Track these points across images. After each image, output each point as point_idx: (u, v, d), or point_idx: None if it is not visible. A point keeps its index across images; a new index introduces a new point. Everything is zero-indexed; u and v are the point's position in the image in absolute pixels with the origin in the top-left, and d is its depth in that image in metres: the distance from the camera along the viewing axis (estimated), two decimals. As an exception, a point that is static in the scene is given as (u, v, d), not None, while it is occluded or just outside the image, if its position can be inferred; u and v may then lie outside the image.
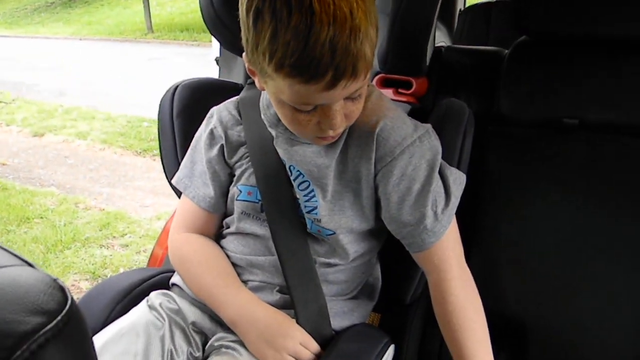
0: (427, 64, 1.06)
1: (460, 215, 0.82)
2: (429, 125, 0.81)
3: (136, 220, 3.02)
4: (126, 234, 2.86)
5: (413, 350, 0.96)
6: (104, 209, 3.17)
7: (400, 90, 1.09)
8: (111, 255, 2.63)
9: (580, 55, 1.03)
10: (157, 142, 1.04)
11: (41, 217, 3.04)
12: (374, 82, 1.12)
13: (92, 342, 0.38)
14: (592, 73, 1.01)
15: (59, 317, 0.34)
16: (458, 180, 0.82)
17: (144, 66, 7.96)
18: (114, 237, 2.84)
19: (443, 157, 0.81)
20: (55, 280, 0.37)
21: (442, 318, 0.80)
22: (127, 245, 2.74)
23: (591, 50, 1.02)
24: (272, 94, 0.71)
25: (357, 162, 0.78)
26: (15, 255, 0.40)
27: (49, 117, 5.31)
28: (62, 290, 0.37)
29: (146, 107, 5.32)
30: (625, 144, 0.98)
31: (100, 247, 2.72)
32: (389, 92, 1.09)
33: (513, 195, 1.03)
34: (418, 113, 0.93)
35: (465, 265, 0.82)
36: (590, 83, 1.00)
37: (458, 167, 0.87)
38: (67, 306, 0.35)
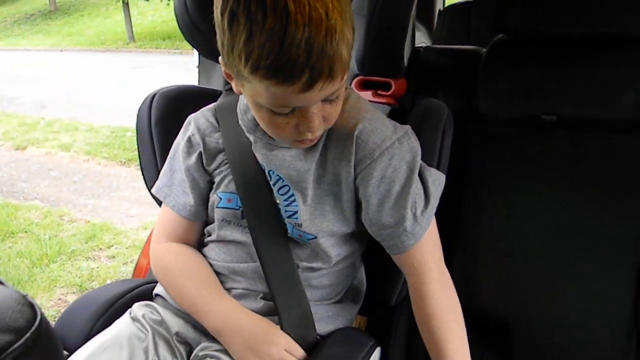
0: (406, 64, 1.06)
1: (443, 214, 0.82)
2: (408, 127, 0.81)
3: (122, 231, 2.99)
4: (112, 245, 2.83)
5: (400, 351, 0.96)
6: (89, 221, 3.14)
7: (379, 91, 1.09)
8: (98, 268, 2.60)
9: (556, 52, 1.04)
10: (138, 157, 1.03)
11: (25, 231, 3.00)
12: (352, 85, 1.12)
13: (62, 355, 0.37)
14: (568, 69, 1.02)
15: (27, 334, 0.33)
16: (437, 181, 0.82)
17: (126, 76, 7.90)
18: (100, 248, 2.81)
19: (422, 158, 0.81)
20: (24, 296, 0.37)
21: (421, 320, 0.80)
22: (114, 257, 2.72)
23: (568, 47, 1.03)
24: (250, 97, 0.71)
25: (336, 165, 0.78)
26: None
27: (30, 130, 5.25)
28: (31, 306, 0.36)
29: (130, 116, 5.28)
30: (603, 139, 0.99)
31: (87, 260, 2.69)
32: (368, 94, 1.09)
33: (495, 194, 1.04)
34: (397, 114, 0.93)
35: (445, 267, 0.82)
36: (567, 79, 1.01)
37: (438, 167, 0.87)
38: (37, 323, 0.35)
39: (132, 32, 11.05)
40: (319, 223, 0.80)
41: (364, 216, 0.80)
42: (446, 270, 0.82)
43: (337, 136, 0.78)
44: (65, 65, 9.36)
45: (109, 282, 2.46)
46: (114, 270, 2.57)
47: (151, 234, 1.41)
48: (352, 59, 0.74)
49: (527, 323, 0.96)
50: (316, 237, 0.81)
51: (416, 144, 0.80)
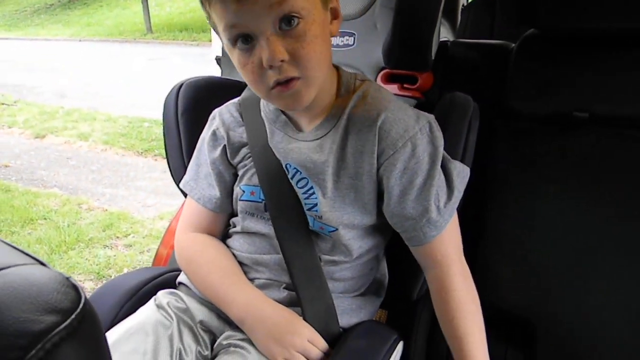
0: (433, 58, 1.05)
1: (466, 209, 0.81)
2: (431, 116, 0.80)
3: (139, 220, 3.02)
4: (129, 234, 2.85)
5: (421, 345, 0.95)
6: (106, 210, 3.17)
7: (405, 85, 1.09)
8: (115, 256, 2.63)
9: (589, 48, 1.02)
10: (158, 142, 1.04)
11: (45, 218, 3.04)
12: (378, 78, 1.11)
13: (106, 340, 0.37)
14: (602, 66, 1.00)
15: (73, 316, 0.34)
16: (462, 173, 0.81)
17: (143, 67, 7.95)
18: (118, 237, 2.84)
19: (447, 151, 0.80)
20: (68, 278, 0.37)
21: (443, 313, 0.80)
22: (131, 245, 2.74)
23: (600, 43, 1.01)
24: (220, 38, 0.73)
25: (357, 158, 0.78)
26: (27, 254, 0.40)
27: (50, 118, 5.31)
28: (75, 288, 0.36)
29: (147, 107, 5.33)
30: (636, 137, 0.97)
31: (104, 248, 2.71)
32: (394, 87, 1.09)
33: (520, 190, 1.02)
34: (423, 108, 0.92)
35: (464, 260, 0.82)
36: (601, 76, 0.99)
37: (462, 161, 0.86)
38: (81, 304, 0.35)
39: (149, 23, 11.11)
40: (339, 215, 0.80)
41: (386, 207, 0.80)
42: (466, 263, 0.82)
43: (359, 127, 0.77)
44: (84, 56, 9.45)
45: (125, 270, 2.48)
46: (131, 258, 2.60)
47: (170, 224, 1.43)
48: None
49: (550, 319, 0.95)
50: (337, 230, 0.80)
51: (439, 134, 0.78)
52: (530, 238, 1.00)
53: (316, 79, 0.73)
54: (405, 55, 1.03)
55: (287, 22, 0.68)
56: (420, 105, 1.02)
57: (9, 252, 0.39)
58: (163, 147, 1.05)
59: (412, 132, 0.76)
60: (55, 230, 2.86)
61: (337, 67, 0.83)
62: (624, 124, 0.98)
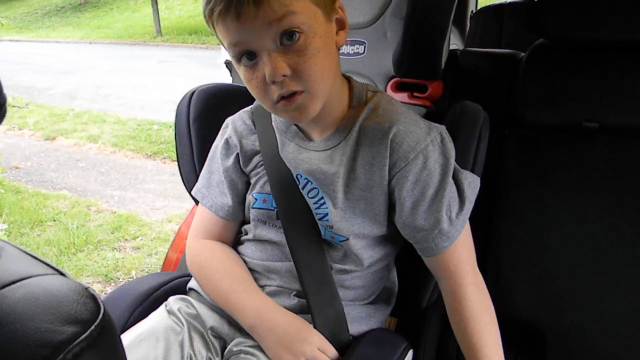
0: (443, 67, 1.06)
1: (476, 219, 0.81)
2: (442, 127, 0.80)
3: (147, 222, 3.04)
4: (138, 237, 2.87)
5: (430, 354, 0.95)
6: (115, 212, 3.19)
7: (415, 94, 1.09)
8: (123, 258, 2.64)
9: (599, 59, 1.02)
10: (167, 145, 1.05)
11: (54, 220, 3.07)
12: (388, 86, 1.12)
13: (124, 350, 0.38)
14: (612, 76, 1.00)
15: (92, 327, 0.34)
16: (472, 184, 0.81)
17: (153, 69, 8.00)
18: (126, 239, 2.86)
19: (458, 160, 0.80)
20: (87, 289, 0.38)
21: (458, 324, 0.80)
22: (139, 248, 2.76)
23: (611, 54, 1.01)
24: (229, 56, 0.74)
25: (368, 170, 0.78)
26: (47, 264, 0.41)
27: (60, 120, 5.36)
28: (94, 299, 0.37)
29: (155, 110, 5.37)
30: None
31: (113, 250, 2.73)
32: (403, 96, 1.09)
33: (529, 200, 1.02)
34: (433, 117, 0.93)
35: (478, 270, 0.82)
36: (610, 86, 0.99)
37: (472, 171, 0.86)
38: (100, 315, 0.36)
39: (159, 26, 11.19)
40: (349, 225, 0.80)
41: (398, 218, 0.80)
42: (479, 273, 0.82)
43: (371, 140, 0.77)
44: (94, 58, 9.53)
45: (133, 272, 2.50)
46: (139, 261, 2.61)
47: (180, 228, 1.44)
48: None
49: (562, 329, 0.95)
50: (348, 239, 0.81)
51: (450, 145, 0.78)
52: (540, 246, 0.99)
53: (320, 91, 0.73)
54: (415, 64, 1.04)
55: (288, 37, 0.68)
56: (430, 114, 1.02)
57: (29, 261, 0.40)
58: (172, 149, 1.06)
59: (423, 144, 0.76)
60: (64, 232, 2.89)
61: (348, 79, 0.84)
62: (634, 134, 0.98)
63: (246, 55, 0.70)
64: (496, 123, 0.98)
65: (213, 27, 0.71)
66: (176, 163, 1.06)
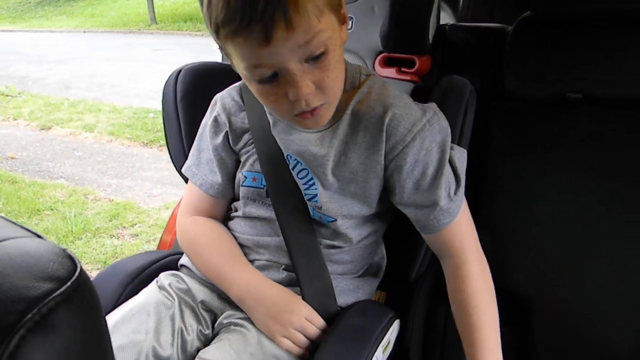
0: (430, 41, 1.05)
1: (465, 192, 0.82)
2: (434, 106, 0.80)
3: (145, 210, 3.05)
4: (136, 224, 2.88)
5: (419, 325, 0.97)
6: (113, 200, 3.20)
7: (403, 68, 1.09)
8: (122, 245, 2.66)
9: (583, 31, 1.02)
10: (164, 133, 1.05)
11: (51, 209, 3.08)
12: (376, 62, 1.11)
13: (102, 309, 0.39)
14: (595, 48, 1.00)
15: (68, 284, 0.35)
16: (461, 158, 0.81)
17: (148, 57, 7.96)
18: (124, 227, 2.87)
19: None
20: (64, 250, 0.38)
21: (458, 302, 0.80)
22: (137, 235, 2.77)
23: (595, 25, 1.01)
24: (237, 70, 0.70)
25: (362, 154, 0.78)
26: (24, 228, 0.41)
27: (55, 110, 5.34)
28: (71, 259, 0.38)
29: (151, 98, 5.35)
30: (630, 117, 0.97)
31: (111, 237, 2.75)
32: (391, 71, 1.09)
33: (516, 172, 1.03)
34: (421, 92, 0.93)
35: (480, 247, 0.82)
36: (594, 57, 0.99)
37: (459, 143, 0.87)
38: (77, 273, 0.36)
39: (154, 13, 11.11)
40: (338, 207, 0.80)
41: (399, 199, 0.80)
42: (482, 250, 0.82)
43: (365, 125, 0.77)
44: (88, 47, 9.46)
45: (133, 258, 2.51)
46: (137, 248, 2.63)
47: (174, 211, 1.44)
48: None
49: (548, 300, 0.96)
50: (335, 220, 0.81)
51: (445, 124, 0.78)
52: (527, 219, 1.00)
53: (337, 98, 0.73)
54: (402, 38, 1.03)
55: (315, 57, 0.65)
56: (418, 89, 1.02)
57: (6, 225, 0.41)
58: None
59: (420, 125, 0.75)
60: (62, 220, 2.89)
61: None
62: (618, 105, 0.98)
63: (267, 75, 0.66)
64: (484, 96, 0.98)
65: (225, 43, 0.65)
66: None
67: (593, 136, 0.98)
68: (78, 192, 3.32)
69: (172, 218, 1.40)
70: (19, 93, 6.04)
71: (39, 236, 0.40)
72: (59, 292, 0.34)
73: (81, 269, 0.37)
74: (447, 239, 0.80)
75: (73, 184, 3.50)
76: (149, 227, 2.85)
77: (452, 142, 0.83)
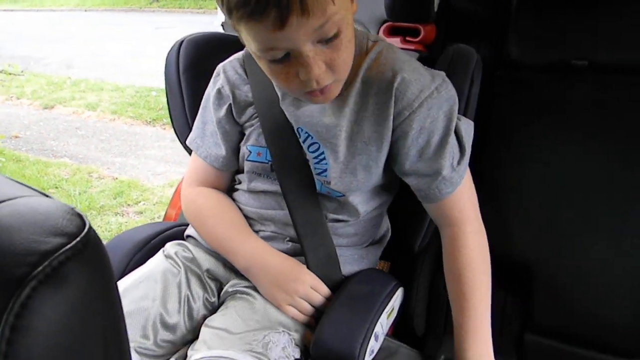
0: (435, 10, 1.04)
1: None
2: (443, 74, 0.78)
3: (149, 187, 3.06)
4: (140, 202, 2.90)
5: (422, 295, 0.98)
6: (117, 178, 3.21)
7: (407, 38, 1.07)
8: (126, 222, 2.67)
9: None
10: (166, 112, 1.04)
11: (56, 187, 3.09)
12: (380, 31, 1.10)
13: (111, 266, 0.39)
14: (601, 15, 0.99)
15: (78, 239, 0.35)
16: (468, 129, 0.80)
17: (150, 36, 7.90)
18: (128, 204, 2.88)
19: None
20: (73, 208, 0.39)
21: (453, 270, 0.80)
22: (142, 212, 2.79)
23: None
24: (248, 49, 0.69)
25: (373, 121, 0.76)
26: (32, 188, 0.42)
27: (57, 89, 5.32)
28: (80, 216, 0.38)
29: (154, 76, 5.31)
30: (634, 85, 0.97)
31: (116, 215, 2.76)
32: (396, 41, 1.08)
33: (520, 140, 1.03)
34: (426, 61, 0.92)
35: (481, 218, 0.82)
36: (600, 24, 0.98)
37: (465, 114, 0.86)
38: (86, 230, 0.37)
39: (155, -9, 10.98)
40: (348, 182, 0.80)
41: (401, 167, 0.79)
42: (482, 222, 0.82)
43: (376, 90, 0.76)
44: (90, 26, 9.39)
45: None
46: (142, 225, 2.64)
47: (178, 186, 1.45)
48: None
49: (548, 266, 0.96)
50: (344, 196, 0.81)
51: (453, 92, 0.77)
52: (530, 186, 1.00)
53: (347, 74, 0.73)
54: (407, 7, 1.02)
55: (327, 38, 0.65)
56: (423, 59, 1.02)
57: (15, 185, 0.41)
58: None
59: (427, 92, 0.75)
60: (67, 198, 2.91)
61: None
62: (623, 71, 0.97)
63: (279, 57, 0.66)
64: (489, 66, 0.97)
65: (238, 26, 0.65)
66: None
67: (597, 103, 0.98)
68: (82, 170, 3.33)
69: (177, 193, 1.41)
70: (22, 72, 6.01)
71: (47, 196, 0.41)
72: (69, 246, 0.34)
73: (90, 226, 0.37)
74: (448, 209, 0.80)
75: (77, 162, 3.51)
76: (154, 204, 2.87)
77: (458, 111, 0.82)
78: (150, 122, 4.22)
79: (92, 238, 0.37)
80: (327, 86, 0.70)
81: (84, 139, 3.99)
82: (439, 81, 0.76)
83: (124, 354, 0.43)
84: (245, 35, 0.66)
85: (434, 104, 0.75)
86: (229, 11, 0.63)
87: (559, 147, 0.99)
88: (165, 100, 1.04)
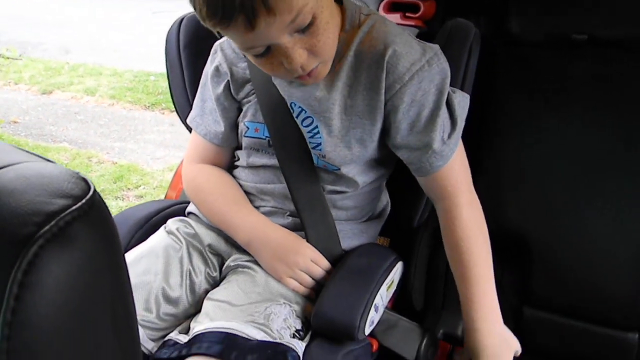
0: None
1: (466, 136, 0.82)
2: (437, 47, 0.79)
3: (149, 172, 3.06)
4: (140, 186, 2.90)
5: (422, 269, 0.99)
6: (116, 163, 3.21)
7: (407, 14, 1.07)
8: (127, 206, 2.67)
9: None
10: (165, 96, 1.05)
11: (56, 172, 3.09)
12: (380, 7, 1.10)
13: (116, 228, 0.40)
14: None
15: (83, 201, 0.36)
16: (462, 102, 0.81)
17: (148, 20, 7.83)
18: (129, 188, 2.89)
19: None
20: (77, 173, 0.39)
21: (451, 243, 0.81)
22: (142, 196, 2.79)
23: None
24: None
25: (366, 95, 0.77)
26: (36, 155, 0.42)
27: (56, 74, 5.29)
28: (85, 180, 0.39)
29: (153, 61, 5.28)
30: (635, 58, 0.97)
31: (116, 199, 2.77)
32: (396, 17, 1.07)
33: (521, 115, 1.03)
34: (425, 37, 0.92)
35: (474, 190, 0.83)
36: None
37: (462, 88, 0.86)
38: (91, 193, 0.37)
39: (151, -24, 10.85)
40: (343, 155, 0.81)
41: (392, 140, 0.80)
42: (475, 193, 0.83)
43: (368, 64, 0.76)
44: (87, 10, 9.30)
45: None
46: (143, 208, 2.65)
47: (177, 169, 1.46)
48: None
49: (547, 242, 0.97)
50: (340, 169, 0.82)
51: (445, 65, 0.78)
52: (530, 161, 1.01)
53: (332, 54, 0.74)
54: (406, -18, 1.01)
55: (303, 28, 0.67)
56: (422, 35, 1.01)
57: (19, 152, 0.42)
58: (170, 100, 1.06)
59: (419, 65, 0.75)
60: (67, 183, 2.91)
61: (340, 1, 0.81)
62: (623, 45, 0.97)
63: (261, 52, 0.69)
64: (489, 42, 0.97)
65: (215, 30, 0.68)
66: (175, 113, 1.06)
67: (598, 77, 0.98)
68: (81, 155, 3.33)
69: (177, 175, 1.42)
70: (20, 55, 5.98)
71: (50, 162, 0.41)
72: (74, 207, 0.35)
73: (95, 190, 0.38)
74: (440, 182, 0.81)
75: (76, 147, 3.50)
76: (153, 188, 2.87)
77: (455, 85, 0.82)
78: (149, 106, 4.20)
79: (97, 201, 0.37)
80: (313, 69, 0.71)
81: (83, 123, 3.98)
82: (430, 54, 0.76)
83: (131, 320, 0.44)
84: (231, 40, 0.70)
85: (425, 77, 0.75)
86: (202, 20, 0.66)
87: (559, 122, 0.99)
88: (164, 85, 1.05)
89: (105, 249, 0.38)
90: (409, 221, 0.96)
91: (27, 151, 0.43)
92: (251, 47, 0.68)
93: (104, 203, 0.39)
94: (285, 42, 0.66)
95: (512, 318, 0.89)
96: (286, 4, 0.61)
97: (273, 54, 0.68)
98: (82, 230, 0.35)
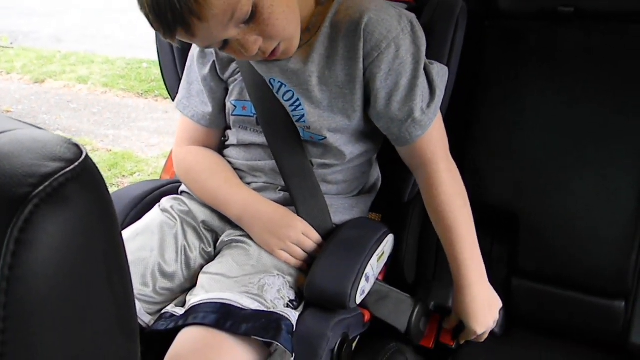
0: None
1: (455, 111, 0.83)
2: (412, 15, 0.80)
3: (143, 159, 3.06)
4: (135, 173, 2.90)
5: (413, 243, 1.01)
6: (111, 150, 3.21)
7: (395, -10, 1.07)
8: (122, 193, 2.68)
9: None
10: (158, 83, 1.06)
11: (51, 160, 3.09)
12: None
13: (109, 192, 0.41)
14: None
15: (76, 164, 0.37)
16: (441, 72, 0.82)
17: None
18: (124, 176, 2.89)
19: (434, 50, 0.82)
20: (70, 139, 0.41)
21: (433, 209, 0.84)
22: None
23: None
24: None
25: (344, 64, 0.78)
26: (30, 124, 0.43)
27: (48, 63, 5.25)
28: (77, 145, 0.40)
29: (144, 48, 5.24)
30: (621, 30, 0.97)
31: (111, 186, 2.76)
32: (383, -6, 1.07)
33: (508, 89, 1.04)
34: (413, 12, 0.92)
35: (451, 157, 0.85)
36: None
37: (449, 61, 0.87)
38: (83, 156, 0.38)
39: (142, -37, 10.72)
40: (326, 124, 0.82)
41: (372, 110, 0.82)
42: (452, 160, 0.85)
43: (345, 33, 0.78)
44: (77, -1, 9.20)
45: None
46: (138, 195, 2.65)
47: (170, 153, 1.46)
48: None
49: (535, 215, 0.99)
50: (326, 138, 0.83)
51: (421, 34, 0.79)
52: (517, 135, 1.02)
53: (294, 31, 0.75)
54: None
55: (247, 19, 0.69)
56: (411, 10, 1.01)
57: (11, 120, 0.43)
58: (163, 87, 1.07)
59: (395, 32, 0.76)
60: (62, 170, 2.91)
61: None
62: (610, 18, 0.98)
63: (220, 47, 0.73)
64: (478, 17, 0.97)
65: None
66: (168, 101, 1.07)
67: (586, 50, 0.99)
68: (76, 143, 3.32)
69: (170, 159, 1.42)
70: (11, 43, 5.92)
71: (42, 129, 0.43)
72: (68, 169, 0.36)
73: (87, 154, 0.39)
74: (419, 151, 0.82)
75: (70, 135, 3.49)
76: (148, 175, 2.87)
77: (441, 59, 0.83)
78: (142, 94, 4.19)
79: (89, 165, 0.39)
80: (276, 49, 0.74)
81: (76, 112, 3.97)
82: (405, 22, 0.78)
83: (127, 288, 0.45)
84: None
85: (402, 45, 0.76)
86: (164, 37, 0.70)
87: (549, 94, 1.00)
88: (156, 72, 1.06)
89: (99, 211, 0.40)
90: (400, 196, 0.98)
91: (19, 120, 0.44)
92: (208, 45, 0.72)
93: (97, 167, 0.40)
94: (234, 35, 0.70)
95: (502, 289, 0.91)
96: (216, 7, 0.64)
97: (231, 45, 0.72)
98: (75, 191, 0.37)
